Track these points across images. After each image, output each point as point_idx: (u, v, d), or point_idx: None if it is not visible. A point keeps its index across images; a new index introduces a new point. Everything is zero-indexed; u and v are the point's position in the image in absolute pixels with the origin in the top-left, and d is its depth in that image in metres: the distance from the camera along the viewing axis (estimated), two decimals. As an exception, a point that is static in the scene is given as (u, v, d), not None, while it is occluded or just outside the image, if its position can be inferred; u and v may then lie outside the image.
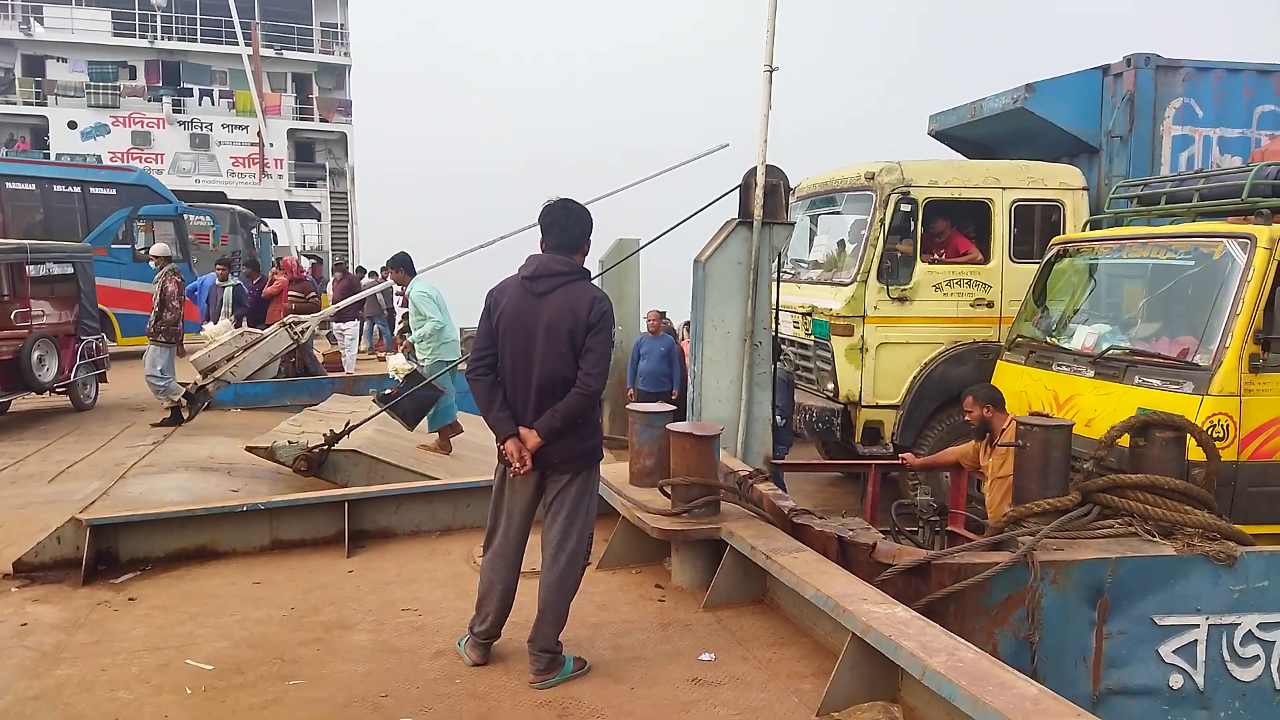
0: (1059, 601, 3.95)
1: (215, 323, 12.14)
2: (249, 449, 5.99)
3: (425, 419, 7.54)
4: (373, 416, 7.12)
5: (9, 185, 15.52)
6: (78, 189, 16.25)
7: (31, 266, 10.08)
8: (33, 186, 16.03)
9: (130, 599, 4.35)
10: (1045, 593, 3.91)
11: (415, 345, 7.53)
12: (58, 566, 4.67)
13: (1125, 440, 4.63)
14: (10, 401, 9.56)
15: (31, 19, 29.84)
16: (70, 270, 10.63)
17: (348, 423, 6.42)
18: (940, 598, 3.81)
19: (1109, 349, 6.22)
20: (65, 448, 8.33)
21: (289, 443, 6.05)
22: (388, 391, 7.26)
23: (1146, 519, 4.25)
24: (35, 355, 9.45)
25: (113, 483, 6.80)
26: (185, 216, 17.92)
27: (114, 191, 16.63)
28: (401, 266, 7.77)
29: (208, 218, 21.34)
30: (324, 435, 6.29)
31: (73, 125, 28.95)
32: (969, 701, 2.77)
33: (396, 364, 7.37)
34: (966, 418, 5.59)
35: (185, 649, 3.77)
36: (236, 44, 23.26)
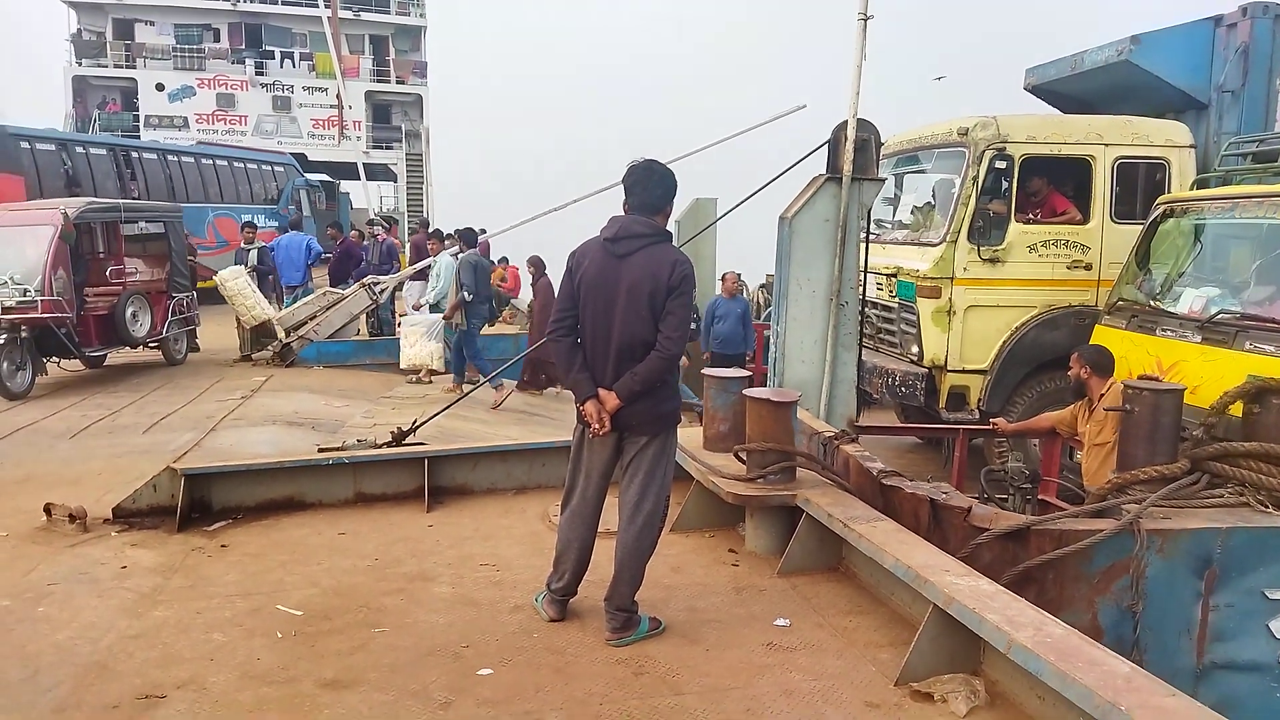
0: (1164, 571, 3.80)
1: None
2: (321, 449, 6.19)
3: None
4: (444, 410, 6.97)
5: (235, 164, 21.02)
6: (269, 167, 22.49)
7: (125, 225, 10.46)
8: (254, 165, 21.94)
9: (223, 545, 4.50)
10: (1150, 562, 3.75)
11: None
12: (154, 513, 4.85)
13: (1237, 408, 4.38)
14: (106, 355, 9.98)
15: (122, -17, 30.72)
16: (162, 230, 11.00)
17: (414, 420, 6.47)
18: (1038, 564, 3.69)
19: (1218, 313, 5.87)
20: (158, 400, 8.68)
21: (358, 441, 6.21)
22: None
23: (1260, 489, 4.07)
24: (129, 311, 9.84)
25: (204, 434, 7.06)
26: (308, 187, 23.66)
27: (284, 168, 22.86)
28: None
29: (319, 187, 24.78)
30: (391, 433, 6.37)
31: (160, 87, 29.81)
32: (1057, 677, 2.67)
33: None
34: (1069, 373, 5.44)
35: (275, 595, 3.88)
36: (316, 6, 23.60)
